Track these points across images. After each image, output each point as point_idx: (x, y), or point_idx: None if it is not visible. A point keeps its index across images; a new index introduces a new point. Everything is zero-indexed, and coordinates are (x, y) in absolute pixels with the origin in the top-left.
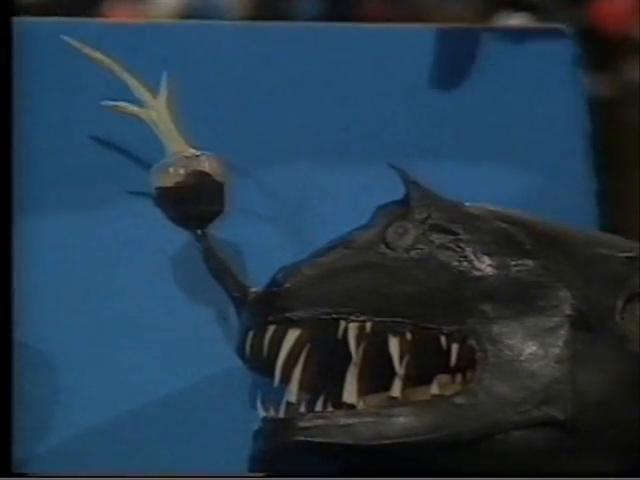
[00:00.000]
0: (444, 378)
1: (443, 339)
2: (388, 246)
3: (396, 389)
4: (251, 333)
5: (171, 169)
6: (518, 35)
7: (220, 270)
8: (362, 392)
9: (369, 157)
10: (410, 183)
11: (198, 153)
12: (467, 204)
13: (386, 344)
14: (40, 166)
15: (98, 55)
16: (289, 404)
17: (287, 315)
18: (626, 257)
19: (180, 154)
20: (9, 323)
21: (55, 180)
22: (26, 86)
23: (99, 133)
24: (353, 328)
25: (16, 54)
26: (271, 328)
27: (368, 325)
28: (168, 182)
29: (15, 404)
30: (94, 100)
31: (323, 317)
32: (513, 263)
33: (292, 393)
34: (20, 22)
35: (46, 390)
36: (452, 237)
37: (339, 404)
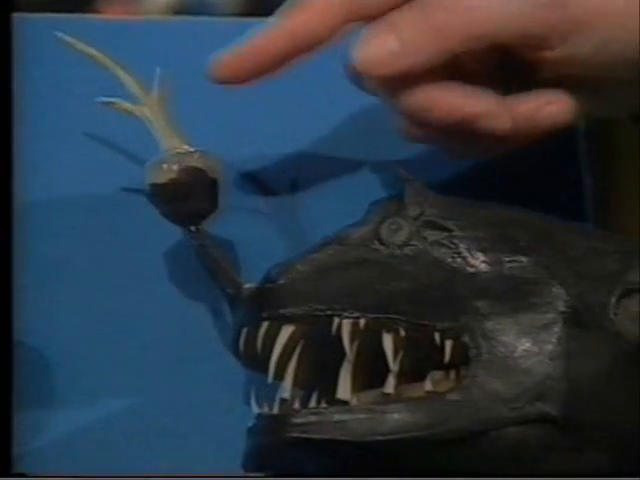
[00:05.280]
0: (438, 374)
1: (437, 335)
2: (382, 242)
3: (390, 385)
4: (245, 329)
5: (165, 165)
6: None
7: (214, 267)
8: (356, 388)
9: (363, 153)
10: (404, 179)
11: (192, 149)
12: (461, 201)
13: (380, 341)
14: (36, 162)
15: (91, 51)
16: (283, 400)
17: (281, 311)
18: (620, 253)
19: (174, 150)
20: (9, 322)
21: (48, 176)
22: (21, 82)
23: (92, 129)
24: (347, 324)
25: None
26: (265, 324)
27: (362, 322)
28: (162, 178)
29: (14, 403)
30: (87, 96)
31: (317, 313)
32: (507, 259)
33: (286, 389)
34: (16, 18)
35: (42, 388)
36: (446, 234)
37: (333, 400)
